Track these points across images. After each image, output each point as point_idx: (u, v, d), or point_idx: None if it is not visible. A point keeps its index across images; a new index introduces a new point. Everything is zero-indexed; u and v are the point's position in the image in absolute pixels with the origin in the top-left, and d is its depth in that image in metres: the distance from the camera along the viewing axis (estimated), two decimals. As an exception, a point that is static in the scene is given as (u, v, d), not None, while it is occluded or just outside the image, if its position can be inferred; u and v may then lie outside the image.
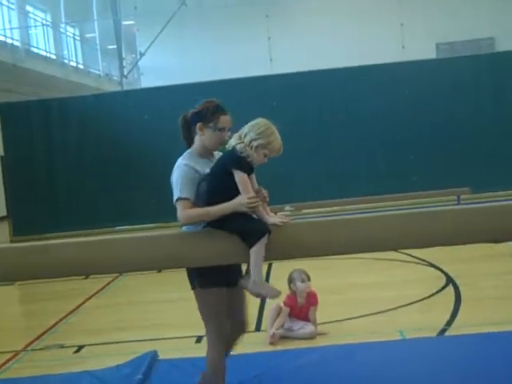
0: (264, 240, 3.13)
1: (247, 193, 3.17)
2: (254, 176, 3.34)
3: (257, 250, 3.12)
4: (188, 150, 3.56)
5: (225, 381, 3.67)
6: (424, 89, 13.11)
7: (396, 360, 4.49)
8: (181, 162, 3.46)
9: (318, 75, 13.48)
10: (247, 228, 3.15)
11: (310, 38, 19.43)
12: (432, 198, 11.16)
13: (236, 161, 3.21)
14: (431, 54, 17.94)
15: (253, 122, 3.30)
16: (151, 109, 13.53)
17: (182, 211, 3.33)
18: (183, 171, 3.40)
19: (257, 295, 3.37)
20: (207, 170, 3.40)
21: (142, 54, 21.96)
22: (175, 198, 3.37)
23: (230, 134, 3.46)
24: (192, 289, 3.61)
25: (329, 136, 13.14)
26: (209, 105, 3.53)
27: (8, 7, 17.87)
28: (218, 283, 3.50)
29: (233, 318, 3.67)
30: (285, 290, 5.38)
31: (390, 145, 13.13)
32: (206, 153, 3.52)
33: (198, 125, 3.52)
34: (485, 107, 13.07)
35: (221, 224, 3.22)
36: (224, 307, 3.57)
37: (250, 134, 3.22)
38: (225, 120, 3.48)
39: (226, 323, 3.61)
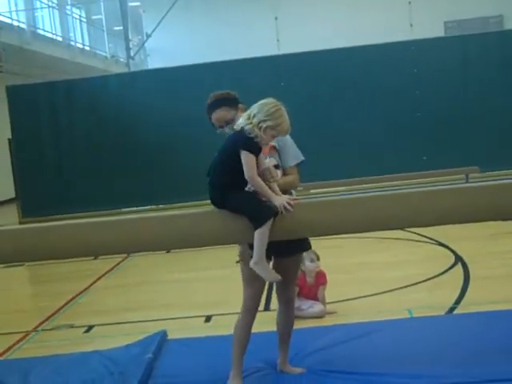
0: (270, 222, 3.13)
1: (250, 172, 3.17)
2: (262, 156, 3.33)
3: (261, 232, 3.14)
4: None
5: (245, 351, 3.75)
6: (432, 67, 13.02)
7: (405, 338, 4.49)
8: None
9: (326, 55, 13.41)
10: (254, 210, 3.16)
11: (317, 18, 19.31)
12: (441, 177, 11.13)
13: (244, 141, 3.20)
14: (439, 33, 17.80)
15: (262, 102, 3.28)
16: (158, 90, 13.50)
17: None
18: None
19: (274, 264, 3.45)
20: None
21: (148, 36, 21.88)
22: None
23: (226, 128, 3.64)
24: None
25: (336, 115, 13.09)
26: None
27: (14, -11, 17.82)
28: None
29: (278, 289, 3.84)
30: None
31: (399, 124, 13.08)
32: None
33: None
34: (494, 85, 12.98)
35: (228, 205, 3.22)
36: (257, 279, 3.50)
37: (259, 115, 3.21)
38: (213, 119, 3.71)
39: (259, 295, 3.73)
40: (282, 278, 3.51)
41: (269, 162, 3.52)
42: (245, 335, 3.74)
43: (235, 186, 3.26)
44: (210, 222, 3.28)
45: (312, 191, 11.17)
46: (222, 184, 3.25)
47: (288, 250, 3.66)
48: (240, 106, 3.65)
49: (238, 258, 3.67)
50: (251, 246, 3.35)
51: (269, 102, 3.27)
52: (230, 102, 3.66)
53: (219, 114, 3.64)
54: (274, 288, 3.93)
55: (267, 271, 3.28)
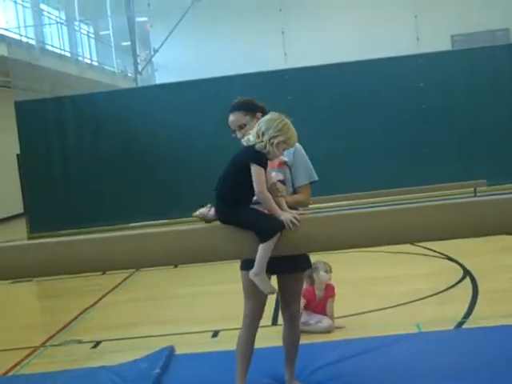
0: (276, 237, 3.14)
1: (260, 186, 3.17)
2: (269, 170, 3.34)
3: (266, 246, 3.14)
4: None
5: (248, 366, 3.74)
6: (439, 81, 13.03)
7: (414, 353, 4.47)
8: None
9: (333, 69, 13.44)
10: (262, 224, 3.16)
11: (324, 32, 19.36)
12: (448, 190, 11.09)
13: (254, 155, 3.22)
14: (446, 46, 17.81)
15: (267, 118, 3.30)
16: (166, 105, 13.55)
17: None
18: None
19: (278, 282, 3.48)
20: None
21: (155, 51, 21.98)
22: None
23: (240, 132, 3.68)
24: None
25: (342, 129, 13.10)
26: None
27: (23, 6, 17.94)
28: (246, 267, 3.56)
29: (282, 305, 3.86)
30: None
31: (405, 138, 13.07)
32: None
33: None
34: (501, 99, 12.96)
35: (234, 219, 3.22)
36: (257, 292, 3.49)
37: (269, 132, 3.22)
38: (229, 123, 3.76)
39: (260, 309, 3.71)
40: (284, 294, 3.57)
41: (275, 176, 3.55)
42: (247, 351, 3.74)
43: (243, 201, 3.26)
44: (217, 237, 3.27)
45: (317, 205, 11.15)
46: (230, 198, 3.25)
47: (289, 267, 3.68)
48: (258, 114, 3.68)
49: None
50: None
51: (274, 117, 3.29)
52: (248, 108, 3.72)
53: (234, 117, 3.72)
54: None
55: (266, 283, 3.27)
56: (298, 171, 3.69)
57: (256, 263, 3.20)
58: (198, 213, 3.38)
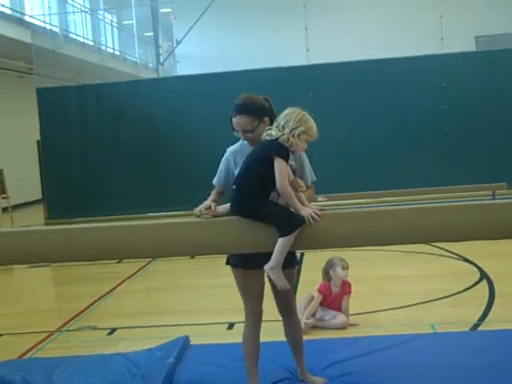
0: (296, 232, 3.14)
1: (283, 180, 3.19)
2: (289, 166, 3.35)
3: (286, 239, 3.15)
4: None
5: (257, 362, 3.76)
6: (462, 82, 12.96)
7: (428, 353, 4.46)
8: (231, 147, 3.75)
9: (355, 66, 13.41)
10: (284, 218, 3.17)
11: (347, 29, 19.29)
12: (467, 192, 11.05)
13: (280, 149, 3.23)
14: (470, 47, 17.69)
15: (286, 112, 3.32)
16: (187, 96, 13.58)
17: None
18: (223, 158, 3.73)
19: (269, 279, 3.43)
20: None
21: (178, 42, 22.01)
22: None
23: (247, 134, 3.56)
24: (227, 263, 3.78)
25: (365, 126, 13.07)
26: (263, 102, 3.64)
27: (48, -7, 18.04)
28: (247, 265, 3.61)
29: (277, 302, 3.84)
30: (318, 280, 5.40)
31: (426, 138, 13.03)
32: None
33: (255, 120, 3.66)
34: (524, 101, 12.88)
35: (255, 212, 3.23)
36: (257, 289, 3.68)
37: (290, 124, 3.25)
38: (233, 122, 3.58)
39: (261, 306, 3.74)
40: (278, 291, 3.57)
41: None
42: (255, 348, 3.77)
43: (264, 194, 3.27)
44: (235, 230, 3.28)
45: (337, 202, 11.15)
46: (252, 191, 3.26)
47: (284, 264, 3.57)
48: (266, 119, 3.54)
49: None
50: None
51: (293, 110, 3.32)
52: (257, 113, 3.53)
53: (241, 121, 3.53)
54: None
55: (281, 278, 3.29)
56: (305, 173, 3.73)
57: (274, 257, 3.21)
58: (199, 209, 3.31)
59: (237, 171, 3.50)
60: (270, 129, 3.32)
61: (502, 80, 12.95)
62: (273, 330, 4.19)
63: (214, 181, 3.72)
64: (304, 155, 3.72)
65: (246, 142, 3.62)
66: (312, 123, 3.30)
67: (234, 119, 3.57)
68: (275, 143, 3.25)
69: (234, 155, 3.65)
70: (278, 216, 3.17)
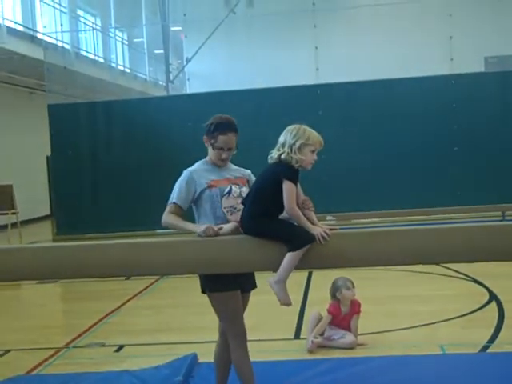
0: (305, 248, 3.14)
1: (291, 202, 3.19)
2: (299, 185, 3.35)
3: (294, 255, 3.14)
4: (205, 158, 3.81)
5: (254, 380, 3.72)
6: (472, 102, 12.98)
7: (437, 375, 4.44)
8: (190, 168, 3.76)
9: (365, 85, 13.45)
10: (293, 233, 3.17)
11: (357, 49, 19.32)
12: (477, 212, 11.03)
13: (287, 171, 3.24)
14: (480, 68, 17.72)
15: (284, 132, 3.34)
16: (196, 114, 13.60)
17: (166, 214, 3.74)
18: (184, 177, 3.70)
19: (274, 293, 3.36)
20: (213, 177, 3.64)
21: (188, 60, 22.12)
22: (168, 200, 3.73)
23: (233, 152, 3.71)
24: (203, 292, 3.75)
25: (374, 146, 13.09)
26: (213, 121, 3.73)
27: (60, 11, 18.19)
28: (228, 288, 3.60)
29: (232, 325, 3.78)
30: (325, 299, 5.38)
31: (435, 158, 13.02)
32: (217, 162, 3.73)
33: (204, 138, 3.79)
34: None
35: (264, 230, 3.24)
36: (240, 310, 3.69)
37: (288, 140, 3.26)
38: (222, 140, 3.66)
39: (243, 326, 3.70)
40: (241, 311, 3.66)
41: (234, 191, 3.65)
42: (248, 369, 3.73)
43: (272, 215, 3.28)
44: (244, 248, 3.28)
45: (346, 222, 11.15)
46: (261, 211, 3.27)
47: (251, 286, 3.81)
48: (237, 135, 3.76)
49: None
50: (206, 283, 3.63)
51: (289, 128, 3.33)
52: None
53: (234, 138, 3.71)
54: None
55: (285, 293, 3.24)
56: None
57: (280, 271, 3.19)
58: (204, 228, 3.32)
59: (198, 190, 3.64)
60: (272, 152, 3.34)
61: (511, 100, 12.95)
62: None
63: (175, 199, 3.71)
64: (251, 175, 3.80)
65: (205, 163, 3.74)
66: (309, 133, 3.28)
67: (227, 136, 3.66)
68: (282, 165, 3.26)
69: (197, 176, 3.68)
70: (289, 231, 3.18)
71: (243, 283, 3.70)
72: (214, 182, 3.65)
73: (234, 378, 3.86)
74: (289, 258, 3.14)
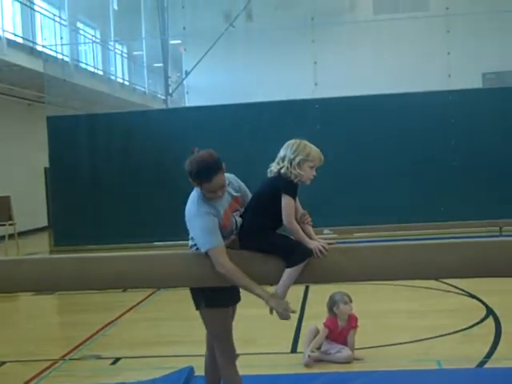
0: (303, 264, 3.16)
1: (289, 217, 3.21)
2: (297, 200, 3.36)
3: (293, 270, 3.16)
4: (198, 193, 3.49)
5: None
6: (470, 118, 13.03)
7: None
8: (199, 209, 3.40)
9: (363, 100, 13.49)
10: (290, 249, 3.18)
11: (356, 64, 19.40)
12: (474, 228, 11.04)
13: (286, 185, 3.25)
14: (477, 84, 17.80)
15: (284, 146, 3.34)
16: (195, 127, 13.66)
17: (224, 259, 3.24)
18: (206, 220, 3.35)
19: (271, 307, 3.28)
20: (220, 210, 3.38)
21: (187, 73, 22.18)
22: (207, 246, 3.28)
23: (225, 188, 3.42)
24: (197, 309, 3.67)
25: (372, 161, 13.12)
26: (192, 169, 3.44)
27: (60, 23, 18.27)
28: (227, 303, 3.61)
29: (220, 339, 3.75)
30: (323, 314, 5.38)
31: (433, 173, 13.04)
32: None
33: (189, 179, 3.50)
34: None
35: (262, 245, 3.25)
36: (231, 327, 3.68)
37: (288, 155, 3.27)
38: (210, 186, 3.37)
39: (232, 342, 3.70)
40: (231, 327, 3.62)
41: (237, 219, 3.48)
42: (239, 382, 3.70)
43: (270, 229, 3.30)
44: (245, 262, 3.28)
45: (345, 236, 11.16)
46: (259, 225, 3.28)
47: (238, 298, 3.75)
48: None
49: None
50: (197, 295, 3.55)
51: (289, 142, 3.34)
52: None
53: (224, 177, 3.45)
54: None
55: (283, 308, 3.22)
56: (248, 196, 3.59)
57: (279, 286, 3.21)
58: (281, 309, 3.26)
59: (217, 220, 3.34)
60: (271, 165, 3.34)
61: (510, 117, 13.00)
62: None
63: (218, 242, 3.29)
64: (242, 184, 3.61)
65: (203, 199, 3.42)
66: (310, 149, 3.28)
67: (213, 181, 3.36)
68: (281, 180, 3.27)
69: (211, 215, 3.37)
70: (286, 247, 3.19)
71: (237, 297, 3.72)
72: (224, 221, 3.39)
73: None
74: (288, 274, 3.17)
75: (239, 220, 3.46)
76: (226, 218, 3.39)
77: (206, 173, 3.36)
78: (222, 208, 3.41)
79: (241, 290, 3.53)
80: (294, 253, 3.16)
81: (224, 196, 3.45)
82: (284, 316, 3.27)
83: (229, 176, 3.55)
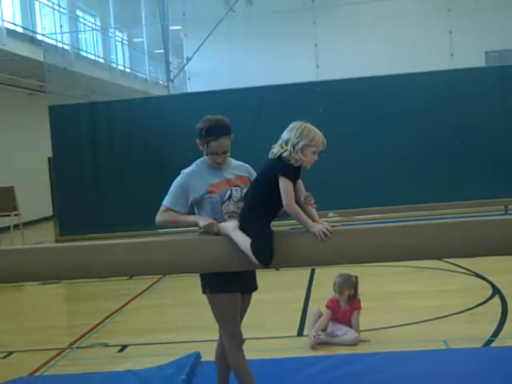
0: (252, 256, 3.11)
1: (288, 199, 3.16)
2: (300, 182, 3.33)
3: (243, 245, 3.11)
4: (201, 159, 3.71)
5: (253, 379, 3.69)
6: (472, 97, 12.96)
7: (441, 370, 4.43)
8: (187, 168, 3.67)
9: (365, 82, 13.43)
10: (256, 244, 3.10)
11: (357, 45, 19.31)
12: (479, 207, 11.01)
13: (283, 168, 3.21)
14: (480, 63, 17.70)
15: (288, 128, 3.28)
16: (197, 113, 13.56)
17: (160, 214, 3.60)
18: (180, 182, 3.62)
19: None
20: (212, 181, 3.53)
21: (188, 59, 22.11)
22: (163, 202, 3.63)
23: (226, 155, 3.59)
24: (203, 293, 3.70)
25: (374, 142, 13.07)
26: (203, 126, 3.63)
27: (59, 12, 18.20)
28: (230, 289, 3.57)
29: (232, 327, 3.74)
30: (329, 296, 5.37)
31: (436, 153, 13.00)
32: (213, 165, 3.61)
33: (197, 141, 3.69)
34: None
35: (250, 228, 3.20)
36: (237, 313, 3.66)
37: (291, 139, 3.22)
38: (215, 146, 3.55)
39: (239, 328, 3.69)
40: (238, 314, 3.63)
41: (234, 195, 3.55)
42: (246, 370, 3.69)
43: (267, 211, 3.26)
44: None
45: (348, 218, 11.14)
46: (258, 208, 3.25)
47: (252, 288, 3.77)
48: (232, 136, 3.64)
49: None
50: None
51: (294, 125, 3.27)
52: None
53: (228, 141, 3.59)
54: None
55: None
56: None
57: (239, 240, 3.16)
58: (206, 224, 3.32)
59: (194, 194, 3.53)
60: (274, 146, 3.31)
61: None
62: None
63: (169, 203, 3.59)
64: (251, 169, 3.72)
65: (204, 163, 3.64)
66: (314, 133, 3.23)
67: (219, 140, 3.54)
68: (279, 162, 3.22)
69: (195, 180, 3.58)
70: (258, 241, 3.11)
71: (245, 285, 3.67)
72: (213, 188, 3.53)
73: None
74: (239, 239, 3.13)
75: (236, 195, 3.53)
76: (216, 186, 3.53)
77: (215, 131, 3.56)
78: (219, 178, 3.56)
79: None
80: (256, 247, 3.09)
81: (225, 169, 3.60)
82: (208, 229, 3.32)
83: (243, 164, 3.73)
